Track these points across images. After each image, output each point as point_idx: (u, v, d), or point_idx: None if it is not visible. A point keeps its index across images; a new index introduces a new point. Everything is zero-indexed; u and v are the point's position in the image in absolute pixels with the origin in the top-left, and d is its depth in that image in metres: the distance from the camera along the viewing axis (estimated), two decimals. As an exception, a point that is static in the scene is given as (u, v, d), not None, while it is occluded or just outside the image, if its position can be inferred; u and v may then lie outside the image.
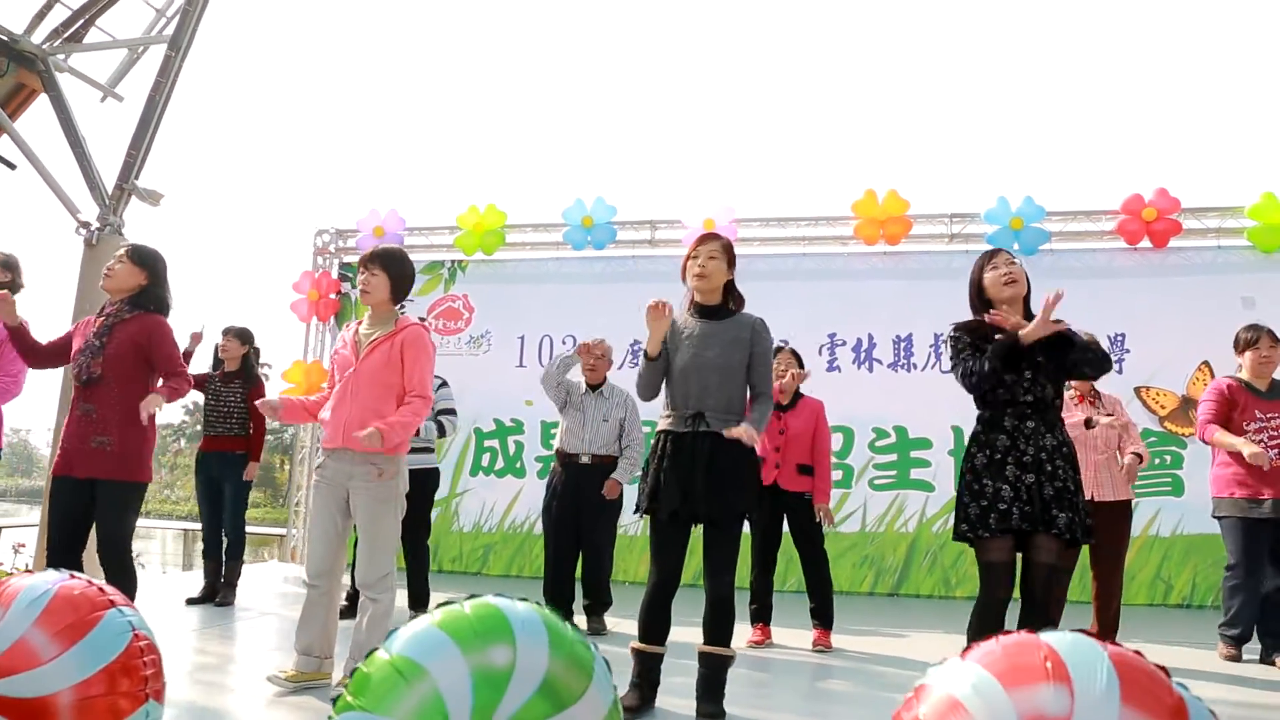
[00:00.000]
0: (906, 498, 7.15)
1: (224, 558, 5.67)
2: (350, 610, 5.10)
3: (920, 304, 7.31)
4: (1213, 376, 6.97)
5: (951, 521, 7.28)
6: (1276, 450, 4.52)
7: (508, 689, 1.28)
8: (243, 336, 5.82)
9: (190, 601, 5.46)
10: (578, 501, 4.92)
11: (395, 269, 3.54)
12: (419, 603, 5.11)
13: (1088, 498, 4.42)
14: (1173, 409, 6.93)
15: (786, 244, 7.67)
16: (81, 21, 9.29)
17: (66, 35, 9.29)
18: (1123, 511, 4.50)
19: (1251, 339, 4.71)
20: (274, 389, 8.07)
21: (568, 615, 4.99)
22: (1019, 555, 3.09)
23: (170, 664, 2.29)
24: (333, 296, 8.19)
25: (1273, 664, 4.39)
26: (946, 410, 6.68)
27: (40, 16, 9.09)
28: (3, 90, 9.18)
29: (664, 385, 3.34)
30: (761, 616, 4.82)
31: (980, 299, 3.21)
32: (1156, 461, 6.96)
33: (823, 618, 4.79)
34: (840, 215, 7.54)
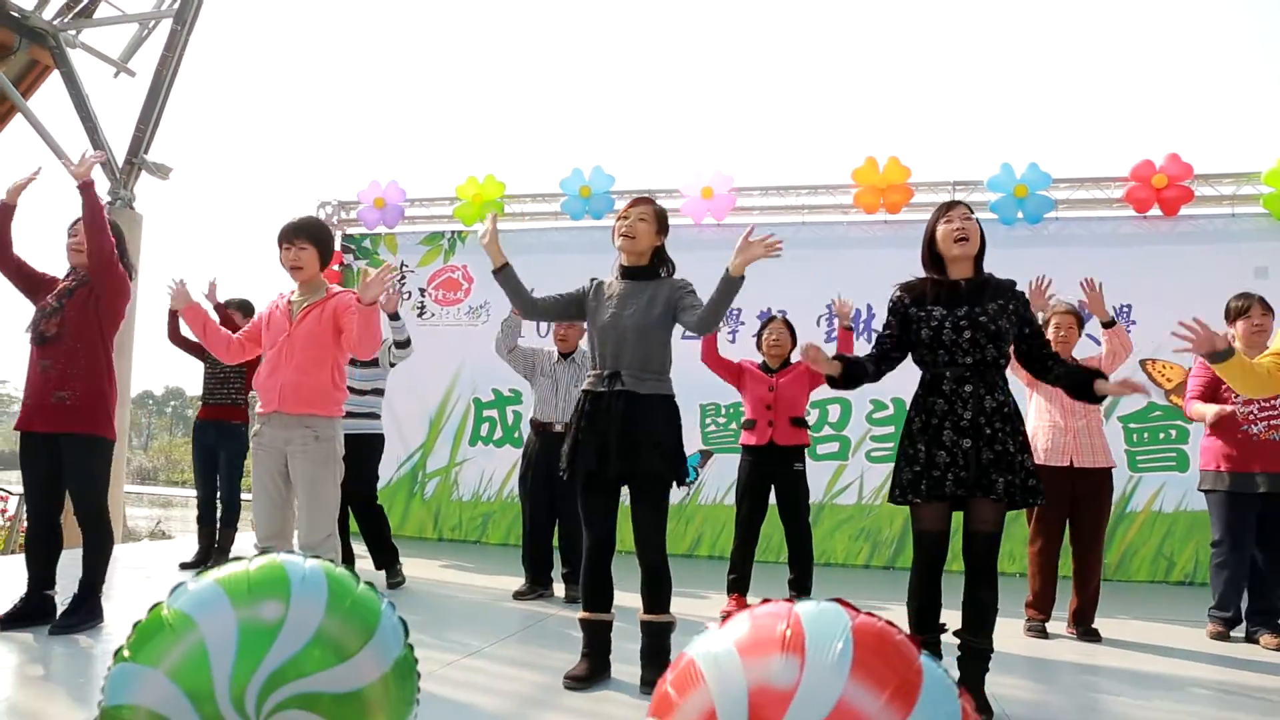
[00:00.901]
0: (904, 470, 7.05)
1: (219, 525, 5.77)
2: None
3: (921, 274, 7.17)
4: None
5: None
6: (1266, 423, 4.38)
7: (275, 642, 1.27)
8: (244, 308, 5.88)
9: (184, 566, 5.56)
10: (551, 470, 4.91)
11: (322, 240, 3.62)
12: (389, 567, 5.17)
13: (1065, 464, 4.35)
14: (1179, 382, 6.73)
15: (786, 213, 7.56)
16: (91, -4, 9.40)
17: (76, 10, 9.39)
18: (1103, 480, 4.39)
19: (1243, 307, 4.55)
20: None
21: (545, 583, 5.05)
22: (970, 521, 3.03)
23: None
24: (335, 268, 8.24)
25: (1257, 643, 4.28)
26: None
27: (50, -9, 9.20)
28: (17, 67, 9.34)
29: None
30: (738, 587, 4.79)
31: (931, 252, 3.13)
32: (1161, 436, 6.82)
33: (800, 589, 4.75)
34: (840, 184, 7.41)
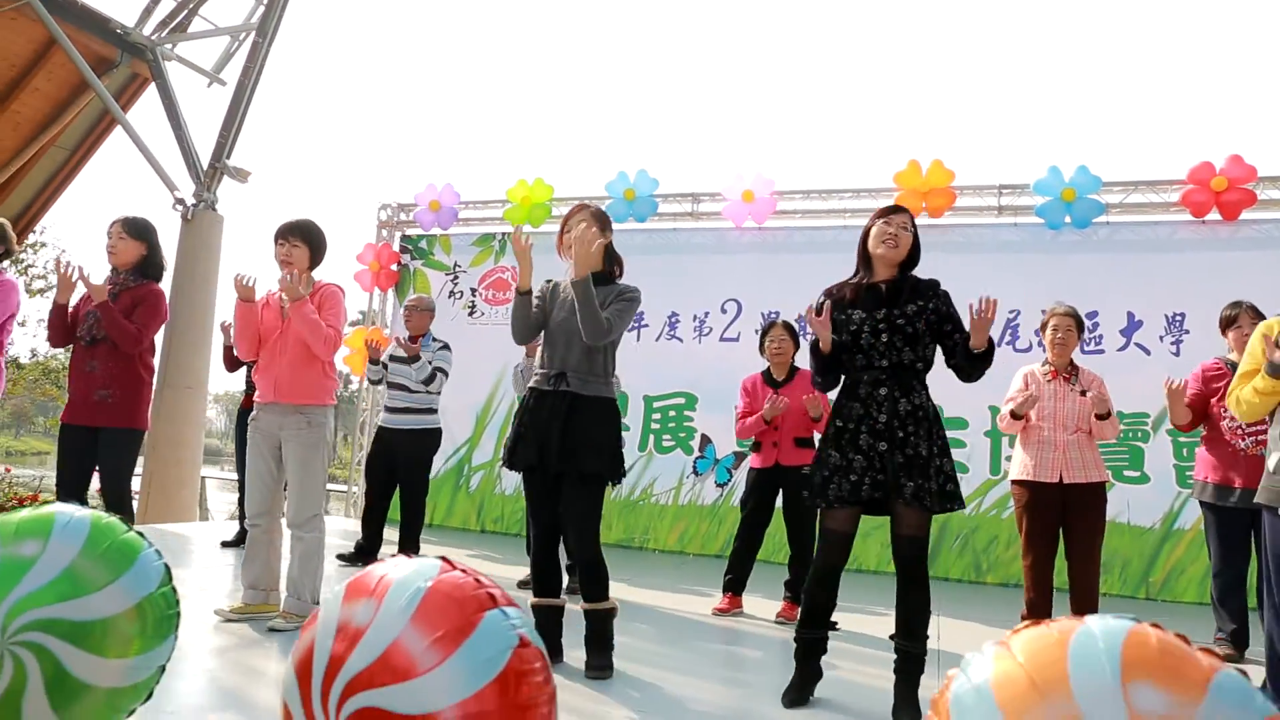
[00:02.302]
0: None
1: None
2: (356, 558, 5.47)
3: (966, 279, 6.99)
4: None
5: (985, 504, 7.08)
6: (1254, 438, 4.20)
7: (25, 575, 1.44)
8: None
9: (225, 544, 5.93)
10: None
11: (314, 240, 3.81)
12: (413, 550, 5.40)
13: (1054, 480, 4.23)
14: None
15: (827, 216, 7.52)
16: (185, 12, 10.08)
17: (173, 26, 10.07)
18: (1094, 494, 4.25)
19: (1231, 316, 4.42)
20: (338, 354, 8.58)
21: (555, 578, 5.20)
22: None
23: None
24: (393, 268, 8.61)
25: None
26: (982, 389, 6.39)
27: (149, 10, 9.92)
28: (119, 81, 10.08)
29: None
30: (733, 587, 4.83)
31: (864, 251, 3.14)
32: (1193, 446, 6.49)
33: (794, 590, 4.76)
34: (883, 187, 7.33)
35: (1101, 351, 6.67)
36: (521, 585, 5.10)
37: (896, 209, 3.16)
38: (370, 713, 1.37)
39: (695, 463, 7.49)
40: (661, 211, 7.88)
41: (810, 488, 3.05)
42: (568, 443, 3.24)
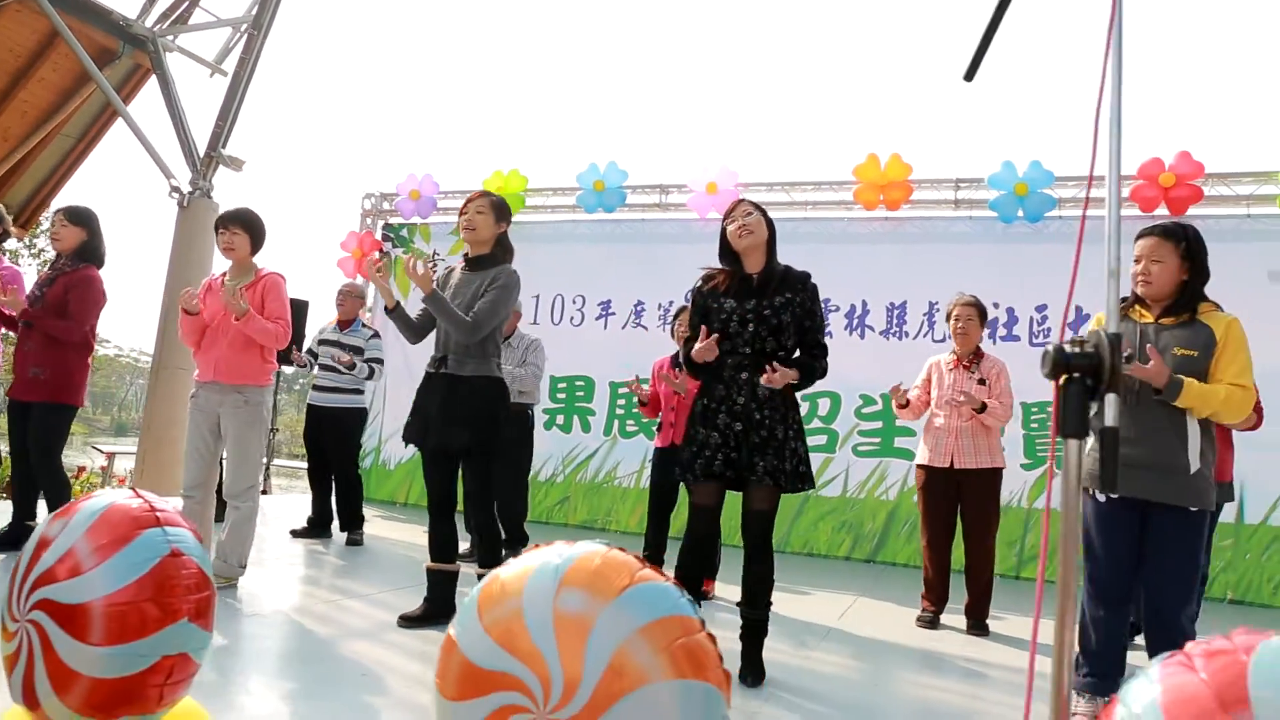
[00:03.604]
0: (889, 465, 7.10)
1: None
2: (308, 531, 5.75)
3: (919, 271, 7.20)
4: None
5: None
6: None
7: None
8: None
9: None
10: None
11: (253, 227, 4.05)
12: (352, 526, 5.68)
13: (946, 464, 4.40)
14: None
15: (789, 208, 7.68)
16: (187, 4, 10.39)
17: (174, 18, 10.39)
18: (989, 480, 4.41)
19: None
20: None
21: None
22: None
23: None
24: (375, 255, 8.89)
25: None
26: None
27: (151, 2, 10.24)
28: (121, 72, 10.42)
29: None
30: (651, 562, 5.03)
31: (727, 249, 3.32)
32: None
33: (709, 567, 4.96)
34: (844, 180, 7.47)
35: (1049, 344, 6.79)
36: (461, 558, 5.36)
37: (737, 203, 3.33)
38: (46, 603, 1.75)
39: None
40: (630, 202, 8.09)
41: (679, 463, 3.26)
42: (446, 420, 3.49)
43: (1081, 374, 1.18)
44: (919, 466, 4.61)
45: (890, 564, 6.97)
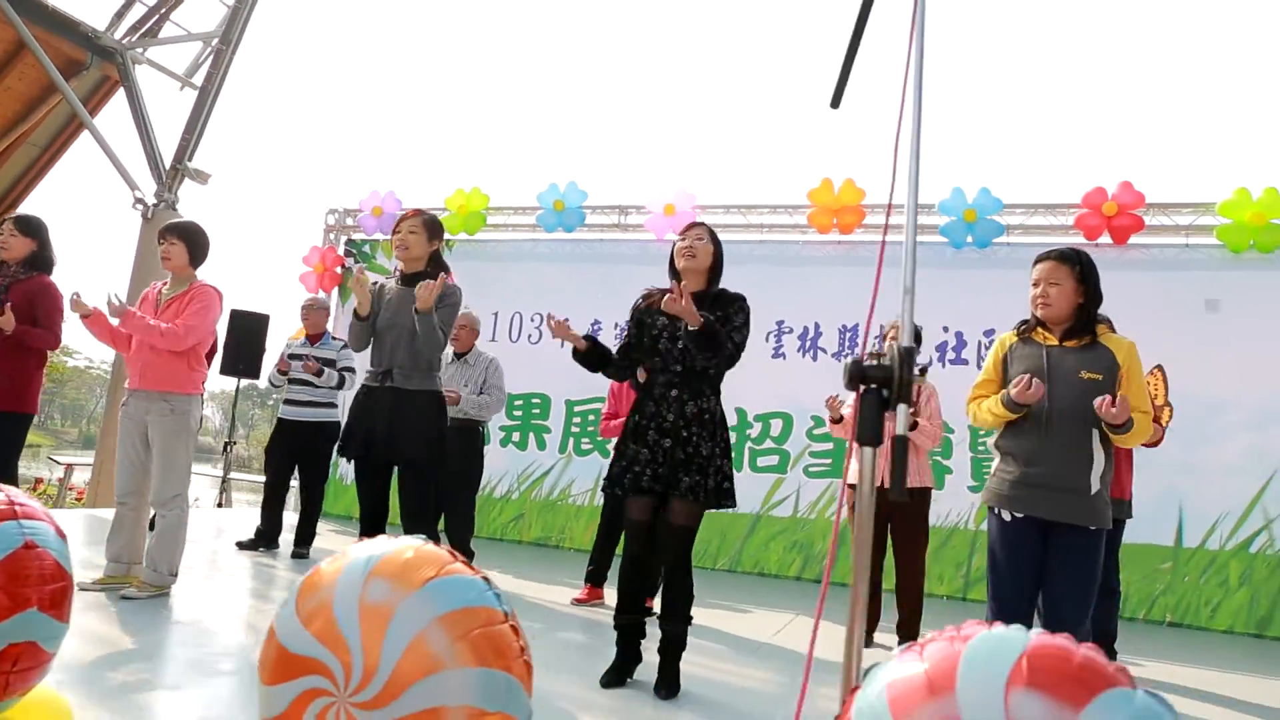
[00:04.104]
0: (840, 487, 7.17)
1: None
2: (255, 543, 5.74)
3: (870, 294, 7.30)
4: (1165, 382, 6.67)
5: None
6: None
7: None
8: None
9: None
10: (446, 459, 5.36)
11: (191, 239, 4.10)
12: (303, 542, 5.68)
13: (875, 484, 4.47)
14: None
15: (745, 230, 7.80)
16: (157, 17, 10.44)
17: (144, 30, 10.43)
18: (917, 500, 4.49)
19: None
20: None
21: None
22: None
23: None
24: (338, 270, 8.93)
25: None
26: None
27: (120, 15, 10.28)
28: (89, 83, 10.44)
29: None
30: (594, 579, 5.08)
31: (673, 266, 3.40)
32: (1097, 465, 6.73)
33: (594, 577, 5.03)
34: (799, 204, 7.60)
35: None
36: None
37: (692, 225, 3.43)
38: None
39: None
40: (590, 222, 8.18)
41: (609, 478, 3.32)
42: (392, 434, 3.53)
43: (877, 385, 1.25)
44: (849, 486, 4.67)
45: (842, 584, 7.04)
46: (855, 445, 4.29)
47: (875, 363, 1.27)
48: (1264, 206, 6.46)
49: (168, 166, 10.00)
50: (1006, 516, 2.95)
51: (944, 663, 0.90)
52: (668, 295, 3.05)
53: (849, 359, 1.32)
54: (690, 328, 3.09)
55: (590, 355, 3.36)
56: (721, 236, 8.06)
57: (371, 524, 3.69)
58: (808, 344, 7.45)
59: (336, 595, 1.04)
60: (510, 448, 8.01)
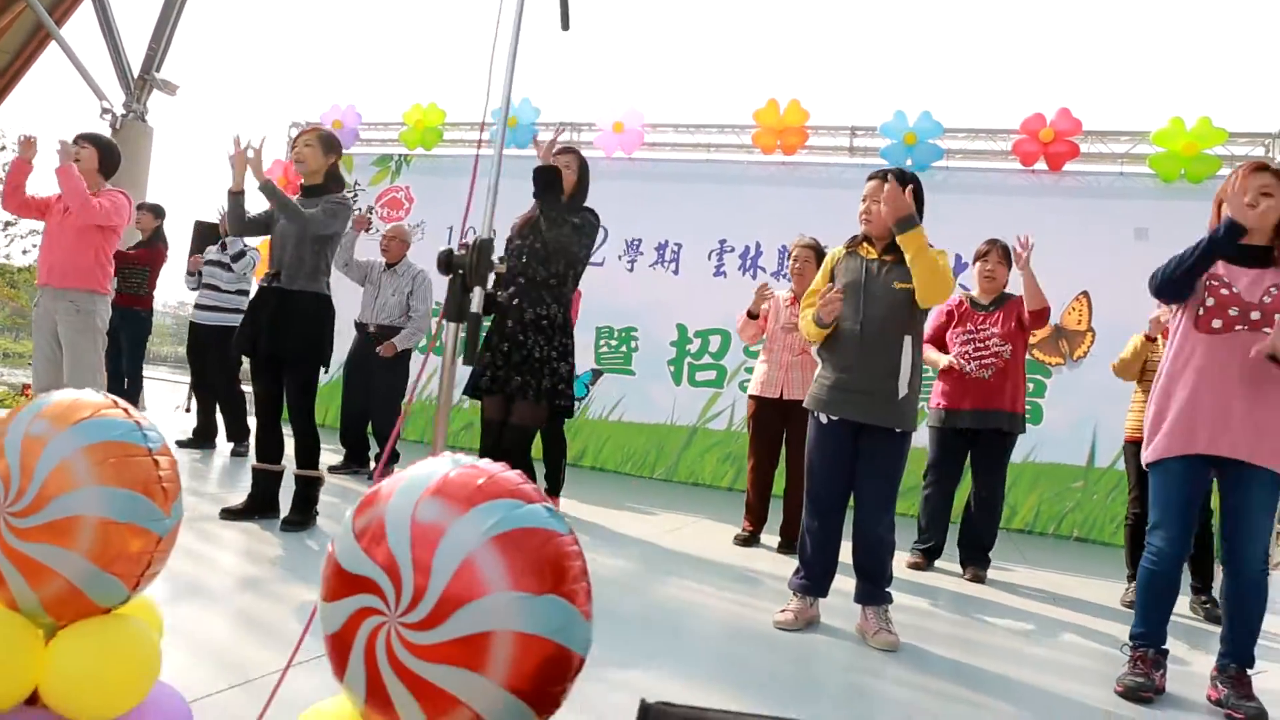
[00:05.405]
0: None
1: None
2: (193, 442, 6.01)
3: (812, 215, 7.40)
4: (1090, 308, 6.81)
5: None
6: (978, 361, 4.56)
7: None
8: (155, 211, 6.71)
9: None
10: (367, 364, 5.59)
11: (103, 148, 4.28)
12: (237, 439, 5.96)
13: (776, 395, 4.69)
14: (1043, 337, 6.81)
15: (692, 150, 7.87)
16: (123, -76, 10.33)
17: (110, -63, 10.34)
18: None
19: (982, 252, 4.76)
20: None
21: (362, 461, 5.74)
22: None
23: None
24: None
25: (975, 580, 4.49)
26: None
27: (85, -81, 10.19)
28: (54, -11, 10.41)
29: None
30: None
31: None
32: (1019, 387, 6.91)
33: (554, 483, 5.24)
34: (744, 124, 7.65)
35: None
36: (332, 470, 5.66)
37: (563, 150, 3.59)
38: None
39: (557, 378, 8.00)
40: (541, 139, 8.23)
41: (467, 383, 3.56)
42: (274, 332, 3.75)
43: (463, 271, 1.44)
44: (750, 396, 4.90)
45: (777, 496, 7.31)
46: (764, 360, 4.42)
47: (462, 253, 1.46)
48: (1196, 136, 6.51)
49: (135, 77, 10.06)
50: (823, 419, 3.15)
51: (396, 482, 1.11)
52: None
53: (443, 249, 1.51)
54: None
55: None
56: (669, 155, 8.22)
57: (264, 416, 3.92)
58: (748, 263, 7.59)
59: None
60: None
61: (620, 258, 7.96)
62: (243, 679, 2.04)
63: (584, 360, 8.00)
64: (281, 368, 3.88)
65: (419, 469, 1.13)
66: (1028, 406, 6.86)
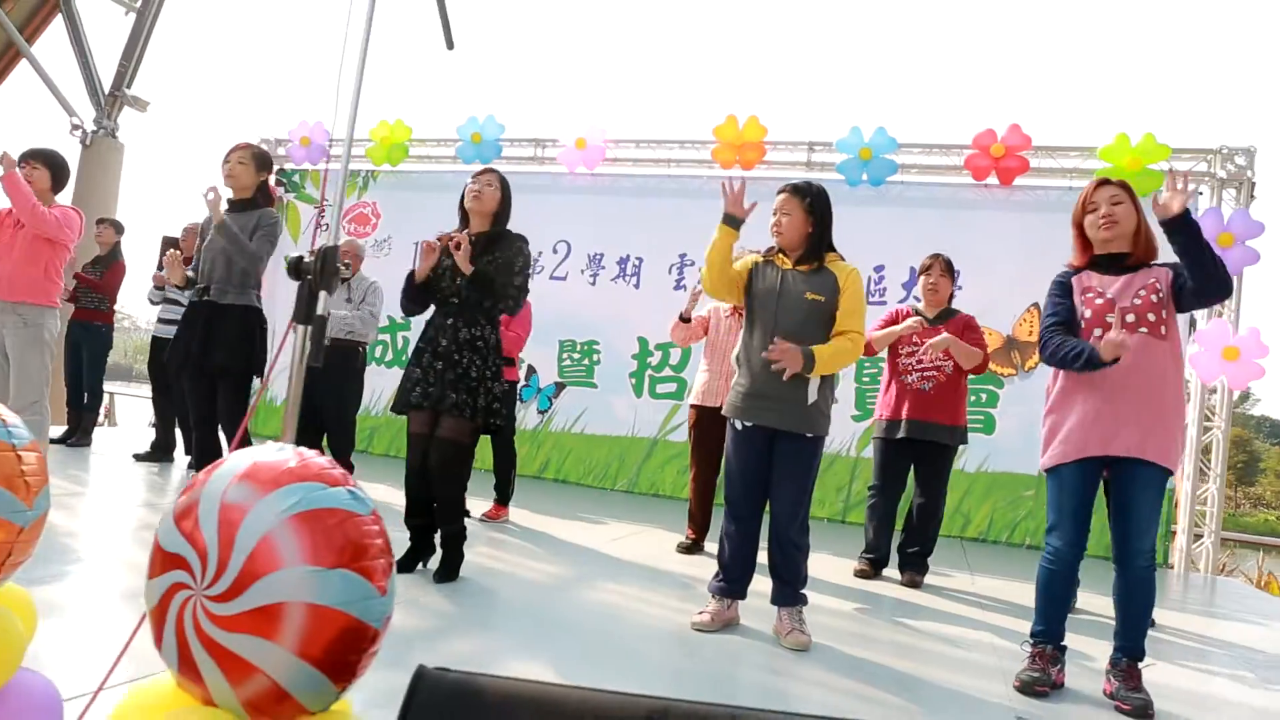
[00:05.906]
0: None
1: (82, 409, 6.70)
2: (150, 455, 6.05)
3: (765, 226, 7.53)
4: (1040, 319, 6.92)
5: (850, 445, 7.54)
6: (919, 373, 4.64)
7: None
8: (116, 226, 6.78)
9: (53, 441, 6.54)
10: (326, 377, 5.66)
11: (54, 165, 4.35)
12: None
13: (716, 405, 4.76)
14: (995, 348, 6.92)
15: (652, 165, 7.99)
16: (96, -57, 10.45)
17: (82, -45, 10.43)
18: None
19: (926, 266, 4.83)
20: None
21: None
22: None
23: None
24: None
25: (911, 585, 4.57)
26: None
27: (59, -62, 10.29)
28: (24, 10, 10.50)
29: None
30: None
31: (462, 207, 3.68)
32: (971, 399, 7.01)
33: (503, 494, 5.30)
34: (704, 139, 7.77)
35: (884, 303, 7.16)
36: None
37: (486, 170, 3.69)
38: None
39: (520, 390, 8.05)
40: (506, 155, 8.35)
41: (396, 395, 3.62)
42: (206, 345, 3.83)
43: (311, 276, 1.52)
44: (691, 406, 4.98)
45: (718, 506, 7.38)
46: (704, 371, 4.50)
47: (310, 260, 1.54)
48: (1141, 152, 6.65)
49: (106, 93, 10.14)
50: (739, 425, 3.24)
51: (215, 468, 1.20)
52: (455, 239, 3.37)
53: (291, 255, 1.59)
54: (465, 273, 3.40)
55: (423, 287, 3.62)
56: (631, 171, 8.33)
57: (201, 426, 3.99)
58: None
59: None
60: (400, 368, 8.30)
61: (583, 272, 8.05)
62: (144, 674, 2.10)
63: (547, 373, 8.10)
64: (215, 379, 3.95)
65: (237, 456, 1.21)
66: (980, 416, 7.01)
